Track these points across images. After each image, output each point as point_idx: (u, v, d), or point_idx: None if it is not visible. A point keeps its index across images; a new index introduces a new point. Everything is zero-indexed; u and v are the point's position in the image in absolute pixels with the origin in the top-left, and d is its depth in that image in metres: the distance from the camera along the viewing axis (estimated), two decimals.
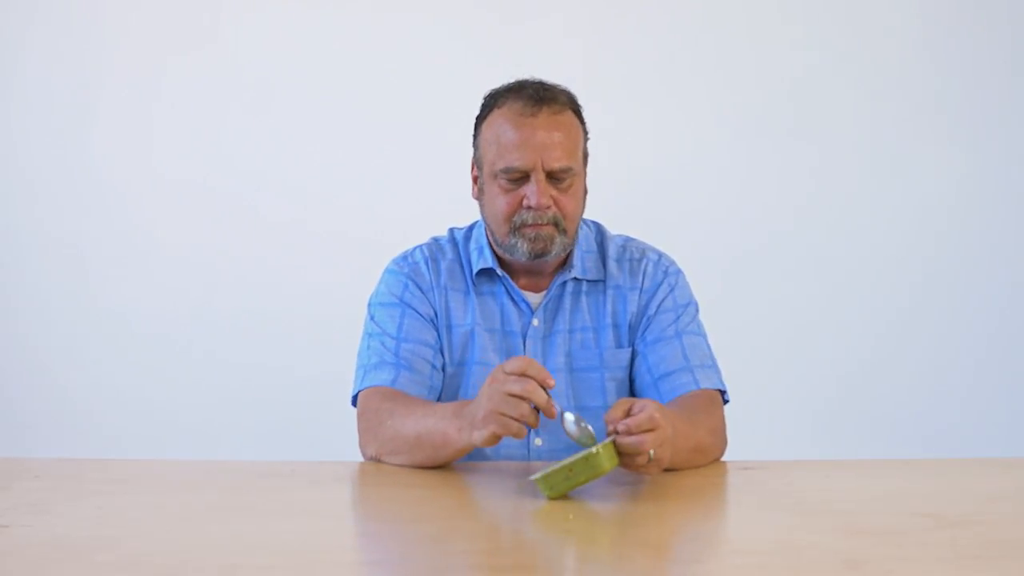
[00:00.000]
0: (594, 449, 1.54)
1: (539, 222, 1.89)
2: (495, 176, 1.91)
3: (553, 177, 1.88)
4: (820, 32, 3.42)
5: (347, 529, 1.58)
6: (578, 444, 1.63)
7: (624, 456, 1.59)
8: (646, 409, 1.59)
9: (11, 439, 3.32)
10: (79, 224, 3.41)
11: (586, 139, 1.97)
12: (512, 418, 1.60)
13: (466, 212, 2.09)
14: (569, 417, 1.62)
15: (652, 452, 1.58)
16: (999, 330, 3.42)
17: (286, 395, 3.35)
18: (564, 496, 1.57)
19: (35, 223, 3.42)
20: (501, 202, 1.91)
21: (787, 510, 1.55)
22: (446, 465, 1.79)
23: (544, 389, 1.60)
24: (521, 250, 1.91)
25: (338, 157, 3.40)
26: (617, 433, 1.58)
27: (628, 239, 2.07)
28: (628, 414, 1.60)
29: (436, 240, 2.06)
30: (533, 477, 1.58)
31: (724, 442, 1.89)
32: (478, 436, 1.64)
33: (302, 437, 3.18)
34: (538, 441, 1.94)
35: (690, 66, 3.42)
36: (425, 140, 3.36)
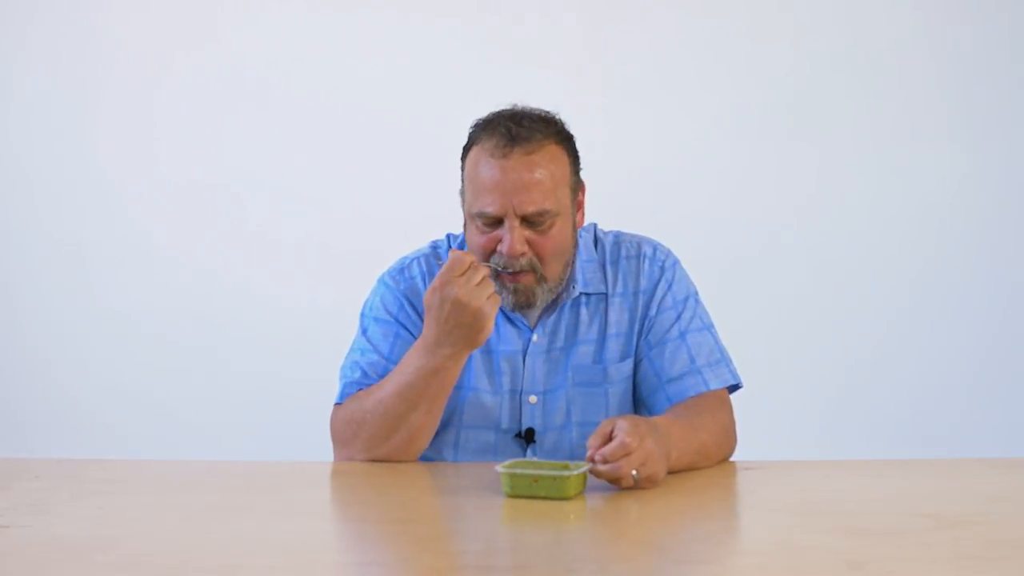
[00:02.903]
0: (565, 474, 1.55)
1: (514, 269, 1.83)
2: (472, 217, 1.86)
3: (529, 221, 1.82)
4: (820, 32, 3.41)
5: (347, 529, 1.58)
6: None
7: (609, 481, 1.60)
8: (618, 436, 1.59)
9: (11, 439, 3.32)
10: (80, 224, 3.41)
11: (576, 169, 1.90)
12: (495, 295, 1.76)
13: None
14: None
15: (635, 473, 1.59)
16: (1000, 330, 3.42)
17: (286, 395, 3.34)
18: (526, 497, 1.57)
19: (36, 223, 3.41)
20: (478, 244, 1.85)
21: (788, 510, 1.55)
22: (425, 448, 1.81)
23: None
24: (505, 300, 1.86)
25: (341, 159, 3.39)
26: (594, 462, 1.59)
27: (619, 235, 2.01)
28: (610, 438, 1.60)
29: (435, 248, 2.00)
30: (499, 468, 1.59)
31: (731, 442, 1.87)
32: (482, 339, 1.77)
33: (302, 437, 3.16)
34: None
35: (690, 66, 3.41)
36: (427, 144, 3.34)
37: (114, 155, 3.40)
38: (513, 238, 1.81)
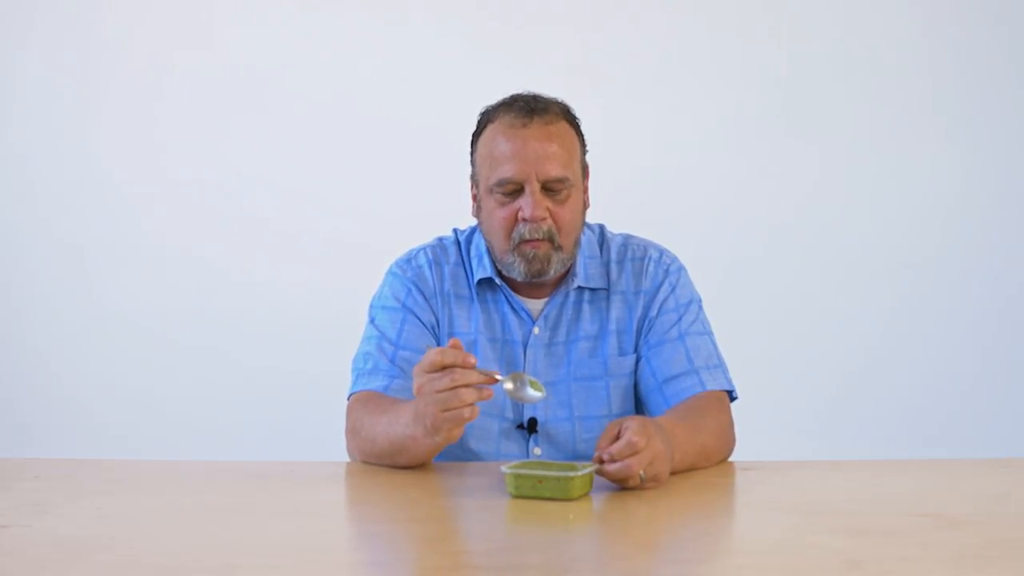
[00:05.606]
0: (570, 475, 1.55)
1: (535, 237, 1.86)
2: (491, 191, 1.89)
3: (548, 188, 1.86)
4: (819, 32, 3.42)
5: (346, 529, 1.58)
6: (532, 402, 1.71)
7: (617, 480, 1.60)
8: (625, 435, 1.59)
9: (11, 439, 3.32)
10: (82, 224, 3.41)
11: (584, 151, 1.95)
12: (456, 408, 1.59)
13: (469, 216, 2.08)
14: (508, 386, 1.66)
15: (642, 473, 1.60)
16: (999, 330, 3.42)
17: (286, 395, 3.35)
18: (529, 497, 1.57)
19: (38, 223, 3.42)
20: (498, 217, 1.88)
21: (787, 510, 1.55)
22: (428, 463, 1.79)
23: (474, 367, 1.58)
24: (518, 270, 1.89)
25: (342, 159, 3.40)
26: (602, 462, 1.60)
27: (628, 237, 2.04)
28: (617, 438, 1.61)
29: (441, 240, 2.03)
30: (504, 469, 1.59)
31: (731, 443, 1.88)
32: (441, 439, 1.65)
33: (302, 437, 3.18)
34: (537, 451, 1.93)
35: (689, 66, 3.41)
36: (429, 143, 3.35)
37: (116, 155, 3.41)
38: (534, 202, 1.85)
